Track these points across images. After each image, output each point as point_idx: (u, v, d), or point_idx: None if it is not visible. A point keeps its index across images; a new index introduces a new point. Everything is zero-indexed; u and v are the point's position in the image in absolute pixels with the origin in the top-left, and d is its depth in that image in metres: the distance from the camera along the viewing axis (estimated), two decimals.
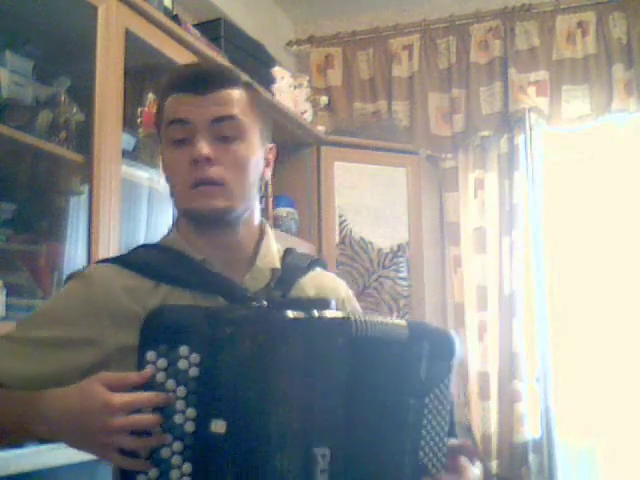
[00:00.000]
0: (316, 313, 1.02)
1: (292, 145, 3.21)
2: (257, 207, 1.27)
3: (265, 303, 1.10)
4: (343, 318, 1.04)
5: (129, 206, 2.17)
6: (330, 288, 1.34)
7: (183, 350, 0.99)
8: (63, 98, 2.00)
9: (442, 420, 1.14)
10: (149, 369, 0.98)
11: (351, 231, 3.26)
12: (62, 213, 2.05)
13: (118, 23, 2.05)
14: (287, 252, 1.32)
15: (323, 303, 1.07)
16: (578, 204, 3.35)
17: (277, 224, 3.05)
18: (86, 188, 1.97)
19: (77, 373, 1.11)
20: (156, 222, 2.35)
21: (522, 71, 3.34)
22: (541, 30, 3.35)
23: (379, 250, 3.28)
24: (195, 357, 0.99)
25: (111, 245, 1.96)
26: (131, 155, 2.19)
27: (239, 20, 3.11)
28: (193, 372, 0.99)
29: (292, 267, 1.27)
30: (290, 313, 1.00)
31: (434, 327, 1.19)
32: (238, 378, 0.98)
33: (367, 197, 3.29)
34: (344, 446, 1.01)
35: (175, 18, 2.40)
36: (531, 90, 3.32)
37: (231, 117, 1.16)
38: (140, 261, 1.19)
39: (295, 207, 3.16)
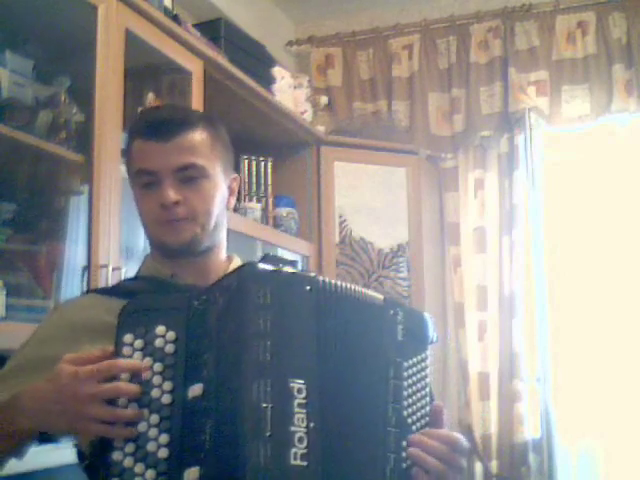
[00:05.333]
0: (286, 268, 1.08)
1: (292, 145, 3.21)
2: (224, 240, 1.34)
3: None
4: (312, 274, 1.09)
5: (129, 206, 2.17)
6: None
7: (160, 329, 1.03)
8: (63, 98, 2.00)
9: (422, 389, 1.14)
10: (123, 350, 1.02)
11: (351, 231, 3.26)
12: (62, 213, 2.05)
13: (118, 23, 2.05)
14: None
15: (292, 262, 1.18)
16: (578, 204, 3.35)
17: (277, 224, 3.05)
18: (86, 188, 1.97)
19: None
20: None
21: (522, 71, 3.34)
22: (541, 30, 3.35)
23: (379, 250, 3.27)
24: (171, 334, 1.03)
25: (111, 245, 1.96)
26: None
27: (239, 20, 3.11)
28: (169, 348, 1.02)
29: None
30: (260, 265, 1.06)
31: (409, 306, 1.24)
32: (212, 333, 1.01)
33: (367, 197, 3.29)
34: (321, 384, 1.02)
35: (175, 18, 2.41)
36: (531, 90, 3.32)
37: (193, 165, 1.24)
38: (121, 288, 1.30)
39: (295, 207, 3.16)
